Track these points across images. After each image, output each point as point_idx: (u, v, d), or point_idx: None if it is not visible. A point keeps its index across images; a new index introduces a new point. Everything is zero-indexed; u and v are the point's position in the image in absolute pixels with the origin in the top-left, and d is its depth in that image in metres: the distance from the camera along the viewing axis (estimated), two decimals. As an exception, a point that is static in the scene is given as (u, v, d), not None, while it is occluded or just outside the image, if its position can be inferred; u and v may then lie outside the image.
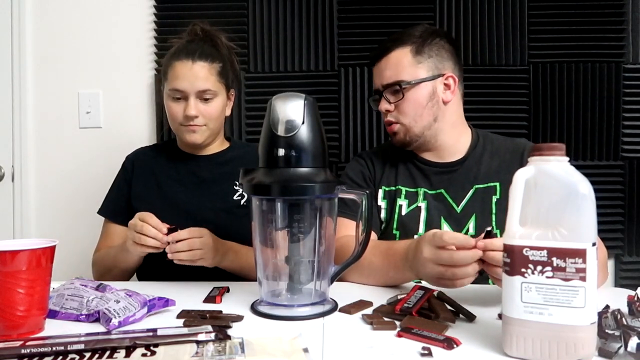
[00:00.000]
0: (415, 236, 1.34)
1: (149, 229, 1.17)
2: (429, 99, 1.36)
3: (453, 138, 1.41)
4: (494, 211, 1.33)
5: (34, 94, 2.09)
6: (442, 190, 1.38)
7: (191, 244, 1.20)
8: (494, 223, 1.32)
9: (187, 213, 1.46)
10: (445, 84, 1.38)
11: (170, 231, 1.19)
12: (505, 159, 1.38)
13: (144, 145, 1.68)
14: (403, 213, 1.38)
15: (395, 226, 1.38)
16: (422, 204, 1.37)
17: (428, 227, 1.34)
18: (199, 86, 1.42)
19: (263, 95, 1.97)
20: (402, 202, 1.39)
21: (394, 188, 1.41)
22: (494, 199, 1.34)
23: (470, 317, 0.92)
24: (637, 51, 1.94)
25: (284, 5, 2.00)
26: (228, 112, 1.56)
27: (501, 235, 0.78)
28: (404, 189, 1.40)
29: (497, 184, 1.35)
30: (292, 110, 0.95)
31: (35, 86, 2.08)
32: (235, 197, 1.49)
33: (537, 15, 1.95)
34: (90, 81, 2.08)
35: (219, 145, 1.59)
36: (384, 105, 1.39)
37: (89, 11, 2.06)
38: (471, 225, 1.34)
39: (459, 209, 1.36)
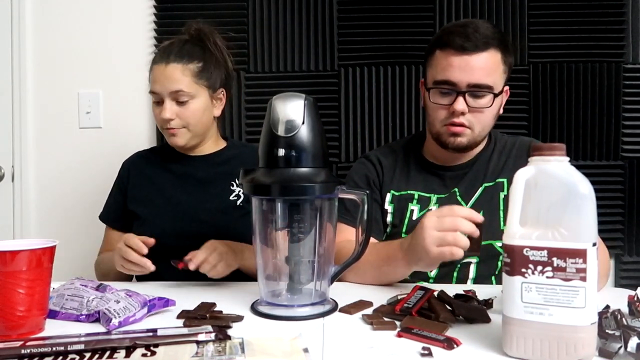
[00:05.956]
0: None
1: (132, 255, 1.17)
2: (496, 114, 1.34)
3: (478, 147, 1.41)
4: (501, 207, 1.33)
5: (34, 94, 2.08)
6: (456, 189, 1.37)
7: (210, 261, 1.19)
8: (501, 220, 1.32)
9: (184, 213, 1.46)
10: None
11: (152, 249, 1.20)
12: (512, 155, 1.38)
13: (144, 145, 1.68)
14: (414, 217, 1.36)
15: (404, 230, 1.36)
16: (434, 208, 1.35)
17: None
18: (171, 87, 1.40)
19: (263, 95, 1.97)
20: (413, 207, 1.37)
21: (405, 193, 1.39)
22: (502, 195, 1.34)
23: (469, 320, 0.91)
24: (637, 51, 1.93)
25: (284, 5, 2.00)
26: (217, 113, 1.52)
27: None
28: (416, 194, 1.38)
29: (505, 180, 1.34)
30: (292, 111, 0.95)
31: (35, 86, 2.08)
32: (231, 198, 1.49)
33: (537, 15, 1.94)
34: (90, 81, 2.07)
35: (214, 145, 1.57)
36: (461, 106, 1.26)
37: (89, 11, 2.06)
38: None
39: (467, 207, 1.34)
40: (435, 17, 1.96)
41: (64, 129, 2.08)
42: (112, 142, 2.06)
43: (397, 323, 0.88)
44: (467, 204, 1.34)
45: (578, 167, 0.73)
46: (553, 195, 0.72)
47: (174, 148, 1.55)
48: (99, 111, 2.07)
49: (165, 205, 1.49)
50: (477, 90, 1.26)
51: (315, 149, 0.95)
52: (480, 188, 1.36)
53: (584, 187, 0.71)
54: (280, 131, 0.94)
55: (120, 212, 1.55)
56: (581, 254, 0.70)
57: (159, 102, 1.44)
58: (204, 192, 1.49)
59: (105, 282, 1.05)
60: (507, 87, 1.35)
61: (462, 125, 1.28)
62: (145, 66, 2.04)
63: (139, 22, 2.06)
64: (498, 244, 1.30)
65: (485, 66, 1.25)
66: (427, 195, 1.37)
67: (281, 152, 0.94)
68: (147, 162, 1.58)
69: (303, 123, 0.94)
